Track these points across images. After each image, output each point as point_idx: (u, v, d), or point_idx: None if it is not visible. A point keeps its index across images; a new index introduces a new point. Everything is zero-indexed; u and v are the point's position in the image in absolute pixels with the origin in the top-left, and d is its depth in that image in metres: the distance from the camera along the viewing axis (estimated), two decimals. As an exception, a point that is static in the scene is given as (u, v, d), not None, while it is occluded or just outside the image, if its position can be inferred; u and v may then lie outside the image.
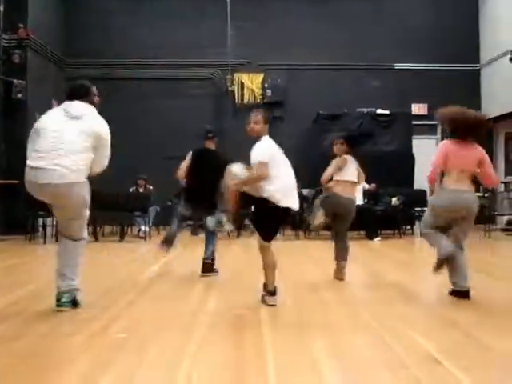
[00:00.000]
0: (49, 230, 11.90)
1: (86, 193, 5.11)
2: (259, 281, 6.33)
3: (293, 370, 3.52)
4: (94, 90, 5.60)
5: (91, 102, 5.48)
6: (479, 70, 15.57)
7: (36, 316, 4.97)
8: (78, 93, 5.49)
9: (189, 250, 9.62)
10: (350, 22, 15.39)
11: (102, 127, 5.34)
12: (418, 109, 15.42)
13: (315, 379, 3.33)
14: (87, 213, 5.22)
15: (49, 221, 12.12)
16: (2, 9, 12.24)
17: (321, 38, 15.32)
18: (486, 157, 5.95)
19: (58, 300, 5.06)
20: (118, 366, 3.55)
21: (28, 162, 4.99)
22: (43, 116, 5.34)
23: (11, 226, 12.08)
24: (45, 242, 11.10)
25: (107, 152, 5.36)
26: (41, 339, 4.23)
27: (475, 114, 5.91)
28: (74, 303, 5.11)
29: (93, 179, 5.32)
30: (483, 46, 15.47)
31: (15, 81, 12.15)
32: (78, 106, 5.30)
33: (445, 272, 7.34)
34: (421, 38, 15.32)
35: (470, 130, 5.80)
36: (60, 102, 5.62)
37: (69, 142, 4.99)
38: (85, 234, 5.28)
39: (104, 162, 5.38)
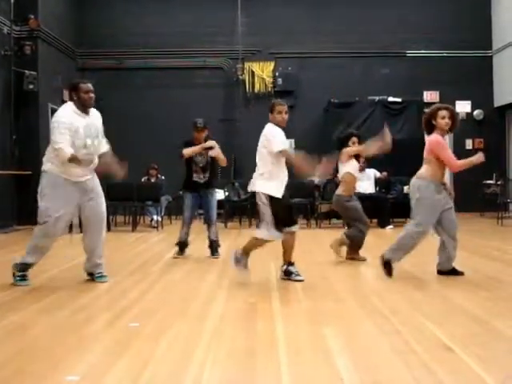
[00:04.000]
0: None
1: (41, 183, 5.86)
2: (272, 269, 6.36)
3: (304, 355, 3.54)
4: (83, 87, 5.90)
5: (70, 99, 5.96)
6: (491, 56, 15.42)
7: (49, 306, 5.02)
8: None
9: (200, 240, 9.64)
10: (361, 9, 15.25)
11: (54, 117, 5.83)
12: (430, 96, 15.32)
13: (326, 366, 3.35)
14: (40, 202, 5.84)
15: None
16: (12, 0, 12.27)
17: (332, 25, 15.21)
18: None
19: None
20: (130, 355, 3.59)
21: None
22: None
23: (24, 217, 12.15)
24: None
25: (52, 137, 5.69)
26: (54, 329, 4.27)
27: None
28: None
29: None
30: (495, 33, 15.30)
31: (27, 72, 12.18)
32: None
33: (455, 260, 7.34)
34: (432, 24, 15.17)
35: None
36: None
37: None
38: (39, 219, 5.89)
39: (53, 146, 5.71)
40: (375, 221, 12.23)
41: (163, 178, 13.15)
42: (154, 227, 11.96)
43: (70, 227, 11.31)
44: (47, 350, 3.72)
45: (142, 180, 13.17)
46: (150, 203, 12.29)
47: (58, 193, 5.72)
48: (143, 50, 15.25)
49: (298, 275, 5.97)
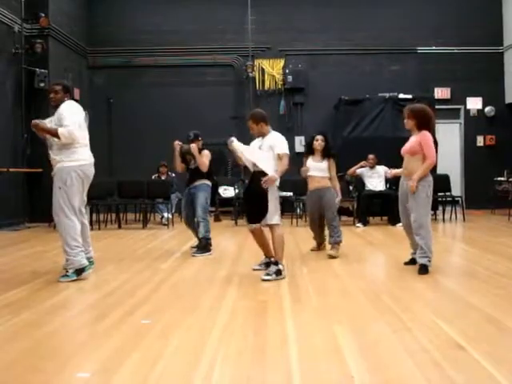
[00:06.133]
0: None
1: None
2: (284, 265, 6.35)
3: (315, 353, 3.54)
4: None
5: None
6: (502, 52, 15.33)
7: (60, 303, 5.04)
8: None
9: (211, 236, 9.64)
10: (371, 5, 15.21)
11: None
12: (441, 93, 15.27)
13: (337, 363, 3.34)
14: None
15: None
16: (23, -2, 12.32)
17: (342, 22, 15.18)
18: None
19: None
20: (141, 352, 3.60)
21: (88, 158, 6.24)
22: (74, 108, 6.20)
23: (35, 214, 12.23)
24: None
25: None
26: (65, 326, 4.30)
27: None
28: None
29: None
30: (506, 29, 15.20)
31: (37, 70, 12.24)
32: None
33: (465, 256, 7.33)
34: (443, 21, 15.10)
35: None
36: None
37: None
38: None
39: None
40: (385, 218, 12.22)
41: (174, 175, 13.16)
42: (165, 225, 11.98)
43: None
44: (58, 347, 3.73)
45: (153, 177, 13.21)
46: (160, 201, 12.32)
47: None
48: (153, 48, 15.26)
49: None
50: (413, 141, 6.37)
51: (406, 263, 6.60)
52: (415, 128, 6.35)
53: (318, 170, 7.77)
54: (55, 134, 5.98)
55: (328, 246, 7.79)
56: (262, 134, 6.30)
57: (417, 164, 6.33)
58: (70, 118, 6.02)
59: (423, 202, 6.26)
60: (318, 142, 7.81)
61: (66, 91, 6.26)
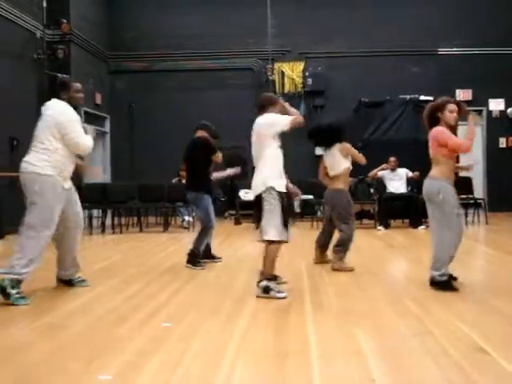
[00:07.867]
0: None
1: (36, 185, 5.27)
2: (303, 270, 6.33)
3: (336, 357, 3.53)
4: (75, 86, 5.59)
5: (69, 98, 5.55)
6: (525, 53, 15.19)
7: (82, 306, 5.08)
8: (55, 90, 5.68)
9: (231, 240, 9.67)
10: (391, 7, 15.14)
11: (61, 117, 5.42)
12: (463, 94, 15.14)
13: (358, 366, 3.33)
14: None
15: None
16: (44, 4, 12.43)
17: (361, 24, 15.11)
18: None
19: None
20: (162, 355, 3.61)
21: None
22: None
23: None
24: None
25: (72, 135, 5.40)
26: (86, 329, 4.32)
27: None
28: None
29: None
30: (529, 29, 15.05)
31: (59, 75, 12.34)
32: (49, 103, 5.55)
33: (487, 259, 7.25)
34: (464, 22, 14.99)
35: None
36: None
37: (35, 137, 5.38)
38: None
39: (75, 146, 5.47)
40: (407, 221, 12.14)
41: (194, 178, 13.18)
42: (186, 228, 12.03)
43: (103, 228, 11.52)
44: (80, 350, 3.76)
45: (173, 181, 13.25)
46: (181, 204, 12.36)
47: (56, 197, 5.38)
48: (174, 52, 15.33)
49: (280, 292, 5.25)
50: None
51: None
52: None
53: (328, 165, 7.08)
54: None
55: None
56: None
57: None
58: None
59: None
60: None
61: None
